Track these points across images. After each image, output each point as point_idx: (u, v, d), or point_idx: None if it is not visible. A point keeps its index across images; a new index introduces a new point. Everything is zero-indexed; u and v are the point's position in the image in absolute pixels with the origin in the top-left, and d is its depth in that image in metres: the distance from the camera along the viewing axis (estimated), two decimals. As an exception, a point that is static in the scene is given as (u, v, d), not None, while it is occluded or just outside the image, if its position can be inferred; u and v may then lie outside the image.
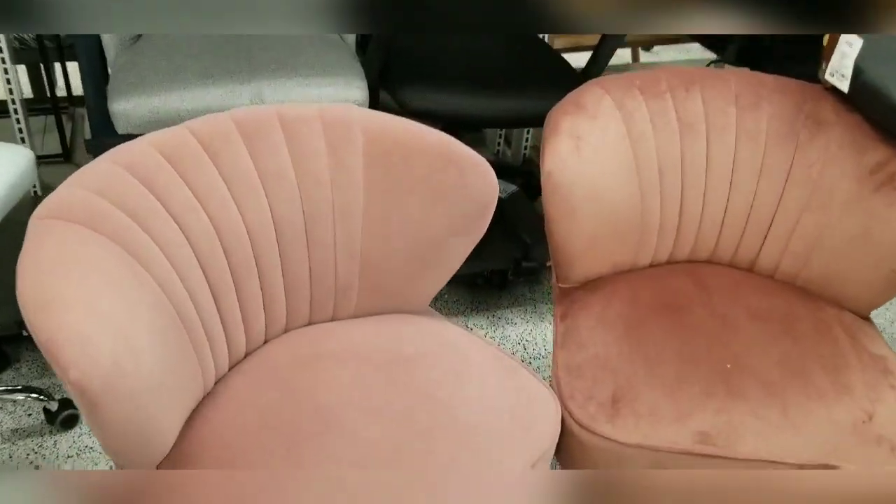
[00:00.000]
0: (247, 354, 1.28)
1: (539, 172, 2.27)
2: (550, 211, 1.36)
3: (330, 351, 1.25)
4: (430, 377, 1.21)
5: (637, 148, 1.42)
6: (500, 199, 2.13)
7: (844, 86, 1.42)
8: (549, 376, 1.86)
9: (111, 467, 1.58)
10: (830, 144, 1.44)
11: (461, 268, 1.35)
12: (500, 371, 1.27)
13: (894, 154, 1.39)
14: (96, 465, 1.58)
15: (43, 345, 0.89)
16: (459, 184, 1.25)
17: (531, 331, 1.99)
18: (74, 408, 1.65)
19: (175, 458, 1.08)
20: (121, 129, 1.42)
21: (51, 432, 1.63)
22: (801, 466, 1.22)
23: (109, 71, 1.61)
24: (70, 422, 1.65)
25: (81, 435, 1.64)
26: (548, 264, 2.01)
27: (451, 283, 2.09)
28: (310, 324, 1.35)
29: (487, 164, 1.26)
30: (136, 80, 1.46)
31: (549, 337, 1.98)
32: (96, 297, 0.95)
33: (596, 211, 1.39)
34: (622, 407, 1.25)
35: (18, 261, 0.97)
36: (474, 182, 1.25)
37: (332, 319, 1.36)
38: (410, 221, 1.28)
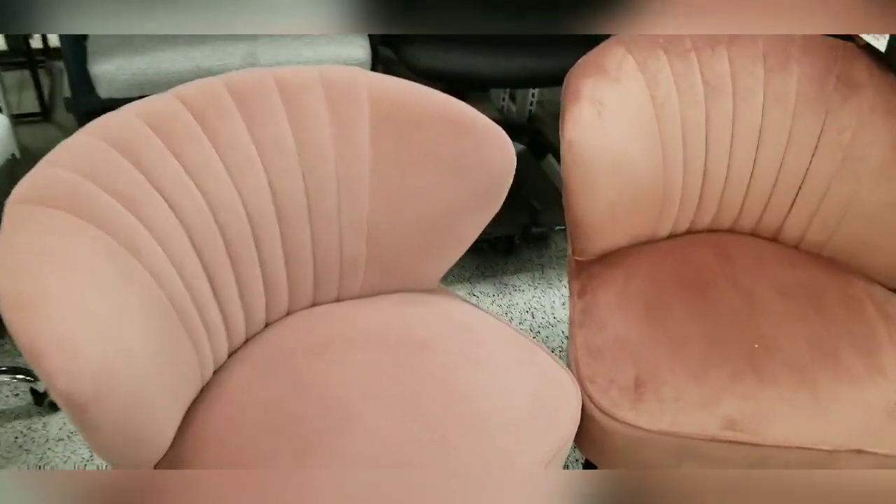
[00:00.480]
0: (247, 340, 1.20)
1: (547, 130, 2.17)
2: (571, 183, 1.27)
3: (337, 335, 1.17)
4: (444, 364, 1.14)
5: (660, 113, 1.33)
6: (505, 160, 2.03)
7: (881, 43, 1.33)
8: (560, 347, 1.79)
9: (104, 449, 1.51)
10: (863, 108, 1.35)
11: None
12: (517, 355, 1.20)
13: (934, 119, 1.30)
14: (87, 447, 1.51)
15: (24, 349, 0.81)
16: (475, 155, 1.16)
17: (539, 298, 1.91)
18: (63, 386, 1.57)
19: (172, 458, 1.01)
20: (103, 92, 1.31)
21: (39, 413, 1.55)
22: (832, 452, 1.16)
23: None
24: (59, 402, 1.57)
25: (72, 415, 1.57)
26: (557, 228, 1.92)
27: (454, 248, 2.01)
28: (314, 305, 1.26)
29: (504, 134, 1.17)
30: (119, 40, 1.35)
31: (558, 304, 1.90)
32: (82, 293, 0.86)
33: (618, 181, 1.30)
34: (645, 392, 1.19)
35: (-5, 251, 0.88)
36: (491, 153, 1.16)
37: (338, 300, 1.27)
38: (421, 195, 1.19)
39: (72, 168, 0.97)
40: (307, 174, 1.16)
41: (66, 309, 0.83)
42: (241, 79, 1.15)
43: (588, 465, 1.37)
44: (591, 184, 1.27)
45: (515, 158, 1.17)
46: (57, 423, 1.54)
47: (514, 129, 2.11)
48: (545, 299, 1.91)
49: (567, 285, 1.96)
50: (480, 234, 1.88)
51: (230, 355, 1.18)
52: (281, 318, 1.23)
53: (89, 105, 1.47)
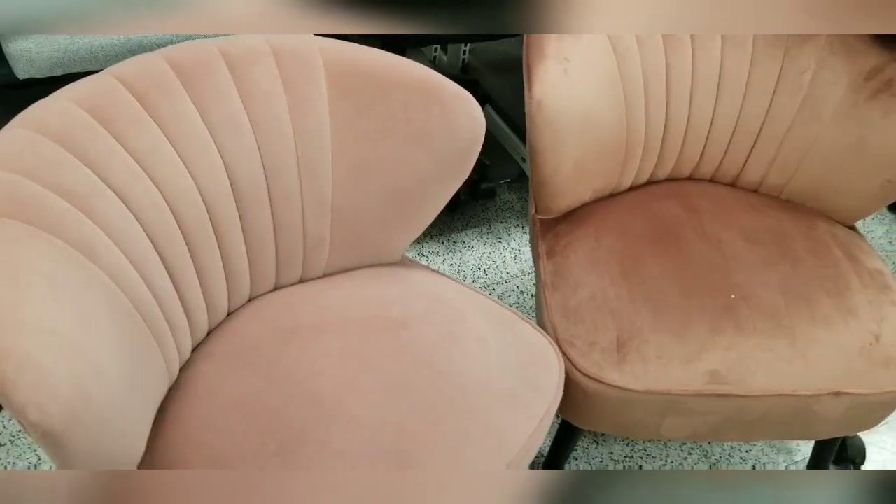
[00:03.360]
0: (210, 331, 1.12)
1: (482, 79, 2.10)
2: (540, 143, 1.22)
3: (306, 321, 1.11)
4: (423, 342, 1.09)
5: (623, 64, 1.29)
6: (445, 114, 1.96)
7: (834, -18, 1.31)
8: (517, 302, 1.76)
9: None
10: (822, 50, 1.34)
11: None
12: (496, 325, 1.16)
13: (890, 59, 1.30)
14: (35, 451, 1.41)
15: (-12, 381, 0.72)
16: (442, 123, 1.10)
17: (490, 254, 1.87)
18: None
19: (148, 468, 0.94)
20: (22, 72, 1.17)
21: (-26, 420, 1.44)
22: (812, 397, 1.18)
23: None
24: (-4, 406, 1.46)
25: (12, 419, 1.46)
26: (502, 182, 1.88)
27: (398, 207, 1.94)
28: (276, 288, 1.19)
29: (472, 99, 1.11)
30: (32, 11, 1.21)
31: (510, 259, 1.87)
32: (42, 309, 0.77)
33: (585, 137, 1.26)
34: (628, 352, 1.17)
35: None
36: (459, 120, 1.10)
37: (301, 281, 1.20)
38: (387, 167, 1.12)
39: (10, 167, 0.87)
40: (265, 154, 1.07)
41: (28, 330, 0.75)
42: (183, 54, 1.05)
43: (563, 426, 1.35)
44: (559, 143, 1.22)
45: (485, 123, 1.11)
46: (-4, 430, 1.44)
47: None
48: (496, 255, 1.87)
49: (516, 239, 1.92)
50: (426, 193, 1.83)
51: (194, 350, 1.10)
52: (243, 306, 1.16)
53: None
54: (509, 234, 1.93)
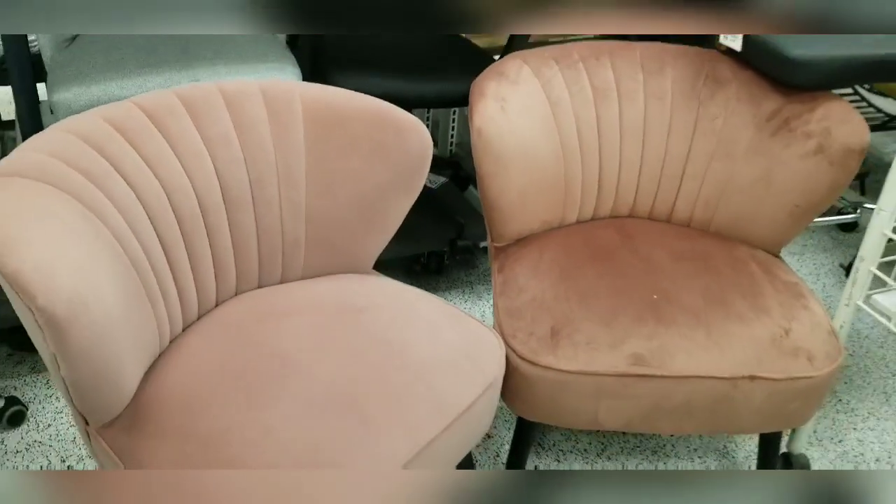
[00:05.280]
0: (199, 316, 1.32)
1: (466, 166, 2.37)
2: (483, 167, 1.45)
3: (284, 307, 1.31)
4: (382, 322, 1.28)
5: (556, 111, 1.53)
6: (431, 190, 2.22)
7: (737, 45, 1.57)
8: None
9: (62, 459, 1.58)
10: (730, 99, 1.58)
11: (398, 253, 1.42)
12: (447, 317, 1.35)
13: (786, 101, 1.53)
14: (46, 457, 1.58)
15: (9, 277, 0.93)
16: (396, 140, 1.34)
17: (470, 308, 2.07)
18: (20, 404, 1.65)
19: (135, 409, 1.12)
20: (62, 117, 1.46)
21: (-4, 431, 1.63)
22: (730, 380, 1.32)
23: (46, 68, 1.65)
24: (17, 419, 1.65)
25: (30, 431, 1.64)
26: (482, 245, 2.10)
27: (388, 269, 2.16)
28: (259, 286, 1.40)
29: (421, 123, 1.35)
30: (76, 72, 1.51)
31: (488, 312, 2.06)
32: (57, 238, 0.99)
33: (525, 166, 1.49)
34: (562, 339, 1.34)
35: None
36: (410, 138, 1.34)
37: (281, 282, 1.41)
38: (352, 177, 1.35)
39: (43, 151, 1.11)
40: (250, 165, 1.32)
41: (45, 246, 0.96)
42: (188, 90, 1.32)
43: (518, 429, 1.50)
44: (501, 167, 1.45)
45: (432, 142, 1.35)
46: (14, 438, 1.61)
47: (437, 164, 2.32)
48: (475, 310, 2.06)
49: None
50: (412, 254, 2.06)
51: (184, 329, 1.29)
52: (229, 299, 1.36)
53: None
54: (488, 293, 2.13)
